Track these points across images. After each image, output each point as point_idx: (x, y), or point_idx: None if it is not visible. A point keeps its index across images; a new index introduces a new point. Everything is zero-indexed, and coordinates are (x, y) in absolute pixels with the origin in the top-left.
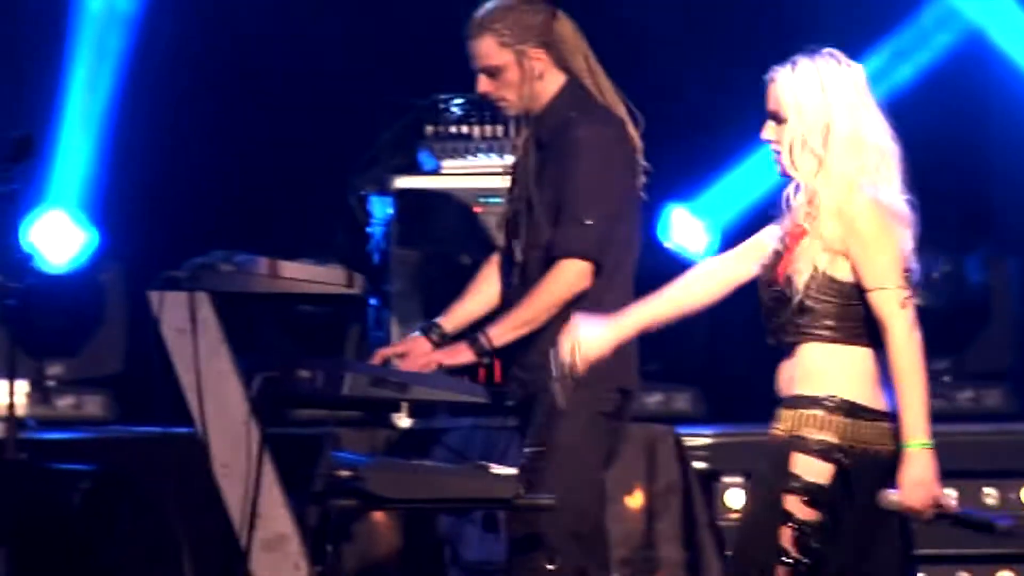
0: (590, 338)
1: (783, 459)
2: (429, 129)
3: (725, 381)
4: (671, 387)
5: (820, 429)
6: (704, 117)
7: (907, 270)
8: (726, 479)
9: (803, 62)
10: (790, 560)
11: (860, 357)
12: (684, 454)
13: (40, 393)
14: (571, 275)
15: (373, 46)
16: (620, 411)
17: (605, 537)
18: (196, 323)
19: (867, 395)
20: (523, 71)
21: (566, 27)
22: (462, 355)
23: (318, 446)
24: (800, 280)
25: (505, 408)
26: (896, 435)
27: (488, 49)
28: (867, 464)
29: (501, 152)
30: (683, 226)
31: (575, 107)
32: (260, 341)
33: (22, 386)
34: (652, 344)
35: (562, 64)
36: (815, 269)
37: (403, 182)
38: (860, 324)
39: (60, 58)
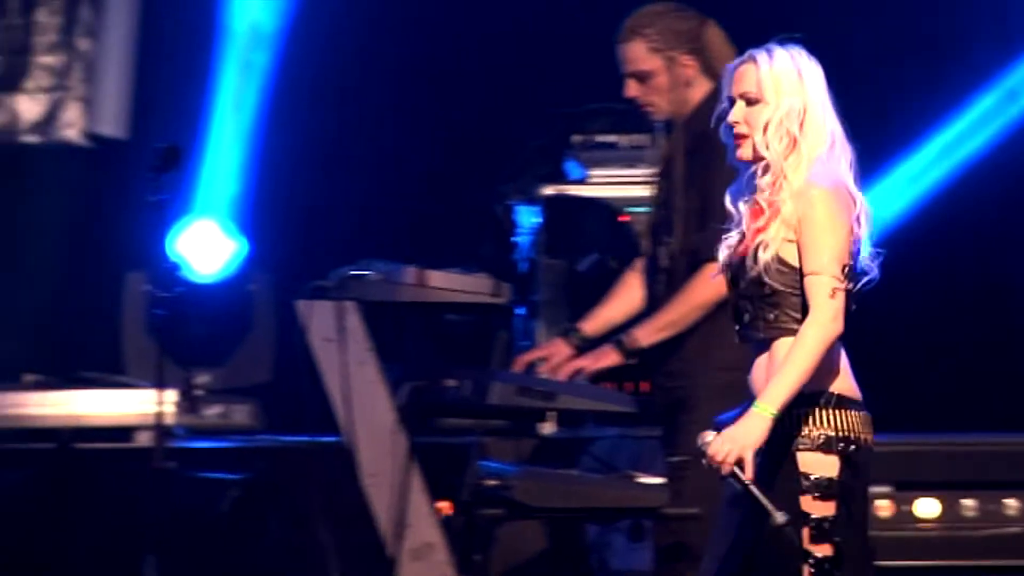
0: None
1: (791, 461)
2: (576, 138)
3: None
4: None
5: (817, 425)
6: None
7: (846, 264)
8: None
9: (778, 49)
10: (815, 559)
11: (833, 348)
12: None
13: (188, 402)
14: (714, 279)
15: (520, 55)
16: None
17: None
18: (343, 332)
19: (848, 386)
20: (672, 77)
21: (716, 34)
22: (607, 358)
23: (465, 455)
24: (766, 255)
25: (651, 417)
26: (874, 423)
27: (638, 54)
28: (862, 452)
29: (647, 161)
30: None
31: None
32: (406, 350)
33: (171, 395)
34: None
35: (710, 71)
36: (776, 252)
37: (550, 191)
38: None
39: (207, 72)
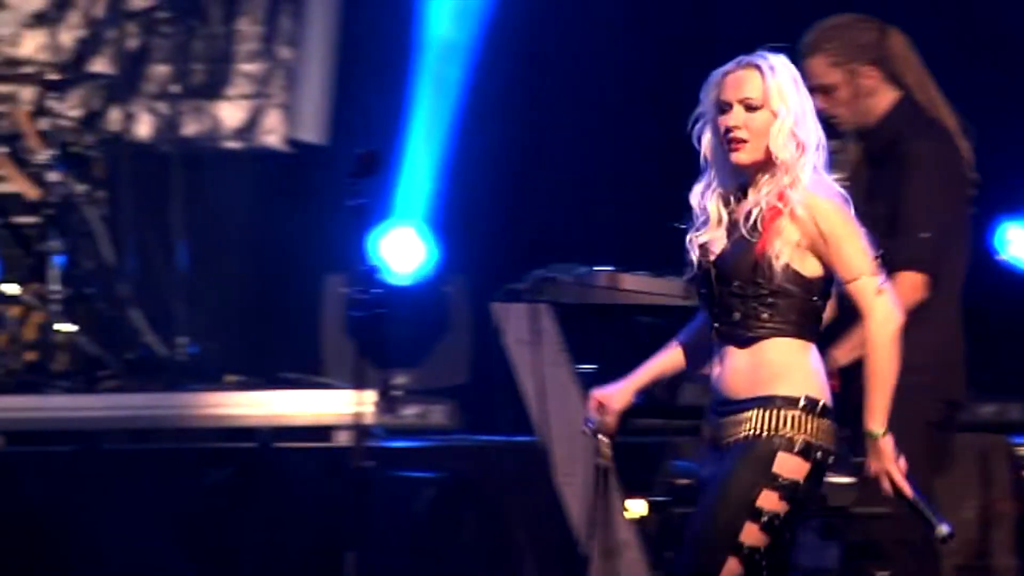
0: (609, 393)
1: (767, 459)
2: None
3: None
4: (1004, 397)
5: (799, 430)
6: None
7: (875, 258)
8: None
9: (773, 57)
10: (748, 548)
11: (815, 354)
12: (1019, 463)
13: (386, 402)
14: (907, 287)
15: (712, 57)
16: (948, 422)
17: (935, 546)
18: (538, 334)
19: (826, 394)
20: (854, 88)
21: (898, 42)
22: None
23: (657, 455)
24: (779, 263)
25: (840, 418)
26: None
27: (820, 69)
28: (826, 462)
29: (838, 167)
30: (1018, 239)
31: (907, 122)
32: (598, 351)
33: (369, 395)
34: (985, 354)
35: (894, 79)
36: (787, 258)
37: None
38: (816, 321)
39: (404, 78)
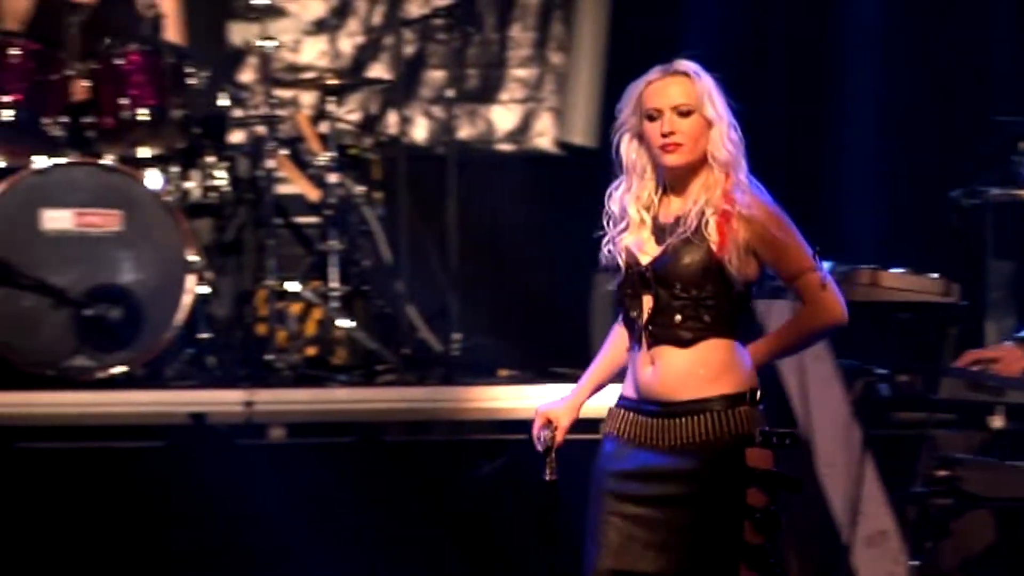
0: (557, 409)
1: (739, 458)
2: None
3: None
4: None
5: (754, 423)
6: None
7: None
8: None
9: (695, 64)
10: (754, 550)
11: (743, 349)
12: None
13: None
14: None
15: (968, 64)
16: None
17: None
18: None
19: (756, 384)
20: None
21: None
22: None
23: (916, 447)
24: (732, 266)
25: None
26: None
27: None
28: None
29: None
30: None
31: None
32: (859, 346)
33: None
34: None
35: None
36: (737, 261)
37: (999, 195)
38: (746, 320)
39: None
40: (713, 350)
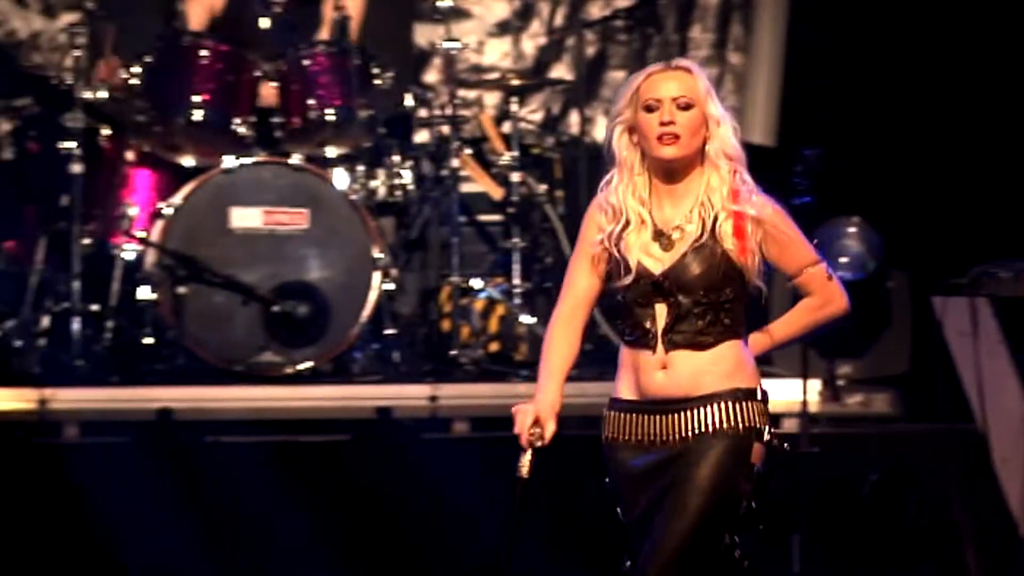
0: (544, 408)
1: (746, 452)
2: None
3: None
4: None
5: (764, 420)
6: None
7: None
8: None
9: (693, 63)
10: (735, 542)
11: (747, 347)
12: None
13: (831, 391)
14: None
15: None
16: None
17: None
18: (977, 326)
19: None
20: None
21: None
22: None
23: None
24: (750, 271)
25: None
26: None
27: None
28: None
29: None
30: None
31: None
32: None
33: (815, 385)
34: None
35: None
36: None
37: None
38: (747, 316)
39: (850, 83)
40: (728, 350)
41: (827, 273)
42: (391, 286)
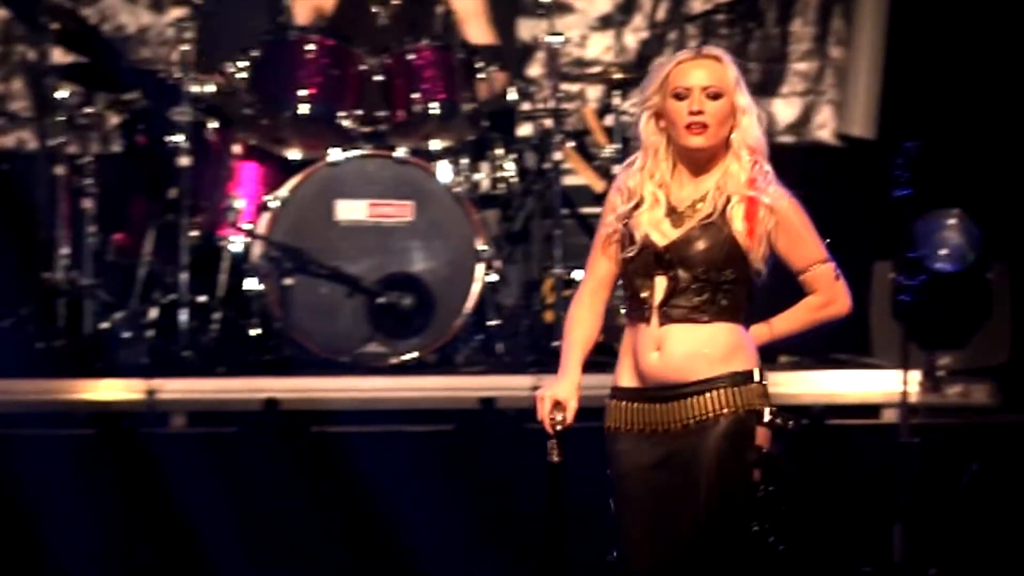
0: (565, 392)
1: (750, 436)
2: None
3: None
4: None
5: (765, 400)
6: None
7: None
8: None
9: (723, 51)
10: (765, 527)
11: (747, 333)
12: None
13: (931, 382)
14: None
15: None
16: None
17: None
18: None
19: (761, 365)
20: None
21: None
22: None
23: None
24: (755, 254)
25: None
26: None
27: None
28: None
29: None
30: None
31: None
32: None
33: (914, 376)
34: None
35: None
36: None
37: None
38: (750, 305)
39: (949, 75)
40: (722, 332)
41: (835, 273)
42: (494, 278)
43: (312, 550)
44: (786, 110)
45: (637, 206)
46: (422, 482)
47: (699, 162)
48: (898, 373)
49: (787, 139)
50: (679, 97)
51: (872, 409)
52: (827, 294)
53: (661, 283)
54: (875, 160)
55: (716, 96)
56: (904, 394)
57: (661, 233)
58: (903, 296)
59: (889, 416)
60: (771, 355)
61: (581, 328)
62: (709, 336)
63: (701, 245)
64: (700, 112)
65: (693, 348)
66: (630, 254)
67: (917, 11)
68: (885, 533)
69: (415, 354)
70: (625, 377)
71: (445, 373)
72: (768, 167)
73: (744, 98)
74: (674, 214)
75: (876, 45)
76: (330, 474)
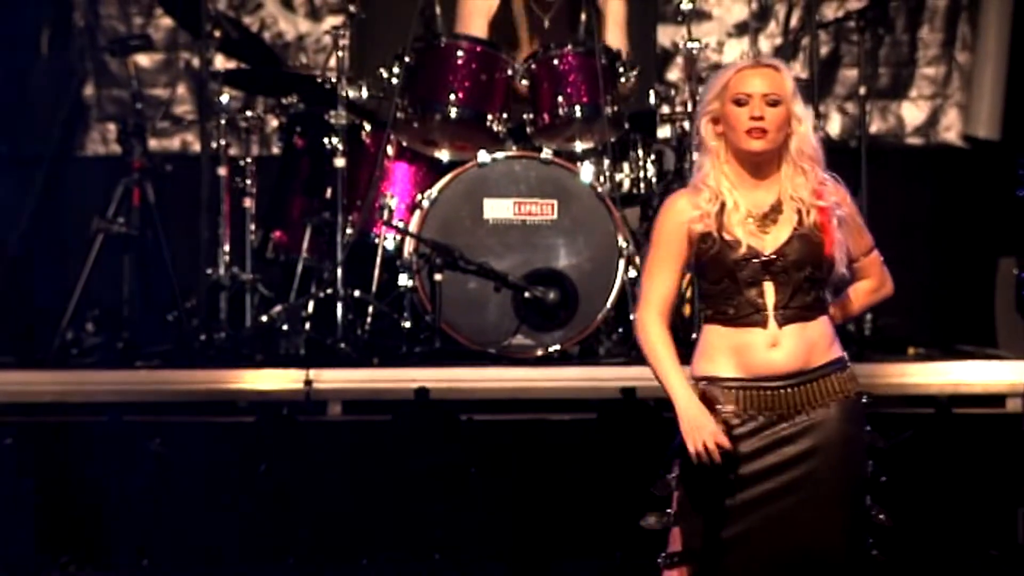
0: (713, 424)
1: (861, 418)
2: None
3: None
4: None
5: (857, 383)
6: None
7: None
8: None
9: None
10: (881, 508)
11: None
12: None
13: None
14: None
15: None
16: None
17: None
18: None
19: None
20: None
21: None
22: None
23: None
24: (838, 256)
25: None
26: None
27: None
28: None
29: None
30: None
31: None
32: None
33: None
34: None
35: None
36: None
37: None
38: None
39: None
40: (824, 324)
41: (881, 259)
42: (635, 273)
43: (460, 527)
44: (914, 113)
45: (722, 208)
46: (565, 468)
47: (759, 165)
48: (1022, 364)
49: (915, 141)
50: (739, 103)
51: (997, 399)
52: (879, 278)
53: (771, 288)
54: (999, 160)
55: (775, 103)
56: None
57: (758, 239)
58: None
59: (1013, 405)
60: (900, 347)
61: (670, 347)
62: (820, 328)
63: (802, 251)
64: (761, 118)
65: (810, 340)
66: (735, 261)
67: None
68: (1011, 517)
69: (559, 346)
70: (725, 370)
71: (588, 364)
72: (822, 171)
73: (800, 107)
74: (759, 219)
75: (1001, 50)
76: (478, 460)
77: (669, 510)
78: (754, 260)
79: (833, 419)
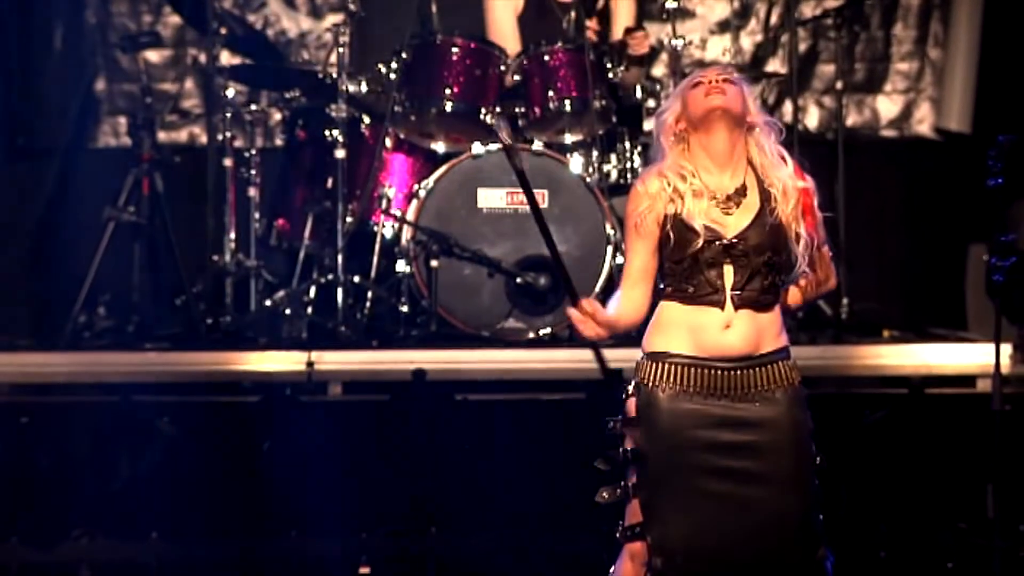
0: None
1: (805, 405)
2: None
3: None
4: None
5: (800, 375)
6: None
7: None
8: None
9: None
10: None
11: None
12: None
13: (1021, 354)
14: None
15: None
16: None
17: None
18: None
19: None
20: None
21: None
22: None
23: None
24: (803, 241)
25: None
26: None
27: None
28: None
29: None
30: None
31: None
32: None
33: (1006, 348)
34: None
35: None
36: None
37: None
38: None
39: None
40: (776, 312)
41: (831, 254)
42: (622, 260)
43: (450, 504)
44: (889, 106)
45: (687, 192)
46: (555, 444)
47: (722, 155)
48: (991, 346)
49: (890, 133)
50: (696, 86)
51: (968, 379)
52: (825, 271)
53: (730, 270)
54: (970, 152)
55: (729, 83)
56: (996, 366)
57: (719, 224)
58: (996, 276)
59: (983, 386)
60: (876, 330)
61: (618, 299)
62: (773, 315)
63: (763, 235)
64: (718, 85)
65: (761, 325)
66: (697, 246)
67: (1010, 15)
68: (979, 492)
69: (549, 329)
70: (678, 346)
71: (576, 346)
72: (791, 161)
73: (756, 105)
74: (721, 204)
75: (971, 46)
76: (472, 437)
77: (624, 482)
78: (716, 243)
79: (783, 406)
